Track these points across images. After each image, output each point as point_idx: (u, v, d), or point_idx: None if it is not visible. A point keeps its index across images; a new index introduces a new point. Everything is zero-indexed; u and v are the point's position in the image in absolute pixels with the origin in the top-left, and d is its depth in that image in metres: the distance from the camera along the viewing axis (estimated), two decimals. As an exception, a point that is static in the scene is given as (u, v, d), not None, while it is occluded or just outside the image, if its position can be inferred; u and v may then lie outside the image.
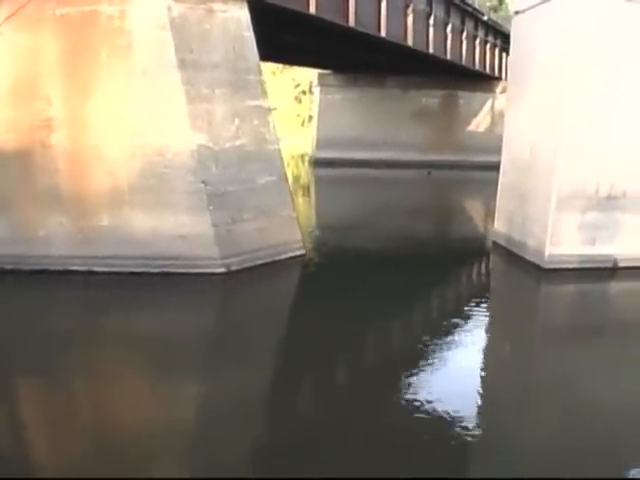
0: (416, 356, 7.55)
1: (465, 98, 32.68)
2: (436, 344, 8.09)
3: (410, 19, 21.85)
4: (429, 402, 6.18)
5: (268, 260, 10.87)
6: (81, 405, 6.42)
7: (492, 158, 30.59)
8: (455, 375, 7.27)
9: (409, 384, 6.75)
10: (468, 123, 32.74)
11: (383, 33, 20.15)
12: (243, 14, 10.80)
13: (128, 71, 9.80)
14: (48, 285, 9.86)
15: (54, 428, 5.86)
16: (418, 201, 22.41)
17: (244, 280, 10.27)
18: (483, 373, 7.42)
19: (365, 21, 18.96)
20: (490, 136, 32.01)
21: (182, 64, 9.86)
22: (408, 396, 6.46)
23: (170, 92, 9.86)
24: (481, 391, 6.85)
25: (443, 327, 8.89)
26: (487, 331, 8.90)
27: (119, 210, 10.00)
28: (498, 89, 32.43)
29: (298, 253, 11.49)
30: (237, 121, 10.70)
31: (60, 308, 9.29)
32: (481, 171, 29.43)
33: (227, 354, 7.49)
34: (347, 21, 18.05)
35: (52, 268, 9.95)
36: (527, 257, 11.52)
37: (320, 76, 33.46)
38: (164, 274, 9.95)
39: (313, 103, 40.53)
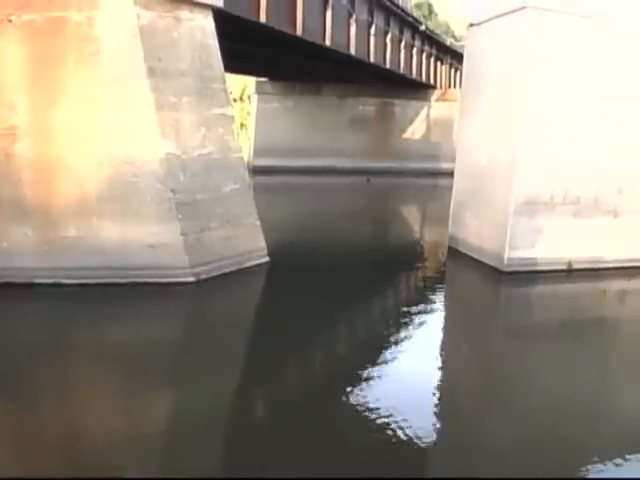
0: (382, 356, 7.81)
1: (401, 106, 33.40)
2: (399, 344, 8.37)
3: (353, 29, 22.23)
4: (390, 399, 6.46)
5: (234, 268, 10.87)
6: (47, 420, 6.25)
7: (428, 165, 31.88)
8: (421, 372, 7.55)
9: (372, 382, 7.00)
10: (404, 131, 33.47)
11: (328, 42, 20.47)
12: (208, 23, 10.79)
13: (96, 78, 9.59)
14: (12, 298, 9.45)
15: (21, 444, 5.67)
16: (364, 208, 22.69)
17: (213, 289, 10.22)
18: (454, 367, 7.82)
19: (311, 30, 19.20)
20: (426, 143, 32.98)
21: (151, 72, 9.74)
22: (368, 397, 6.64)
23: (139, 100, 9.72)
24: (446, 386, 7.18)
25: (410, 328, 9.13)
26: (456, 332, 9.29)
27: (86, 220, 9.76)
28: (433, 97, 33.33)
29: (262, 261, 11.52)
30: (203, 129, 10.65)
31: (25, 322, 8.95)
32: (418, 177, 30.33)
33: (201, 365, 7.42)
34: (295, 30, 18.24)
35: (16, 281, 9.58)
36: (485, 261, 11.92)
37: (258, 84, 33.48)
38: (133, 284, 9.75)
39: (244, 111, 40.60)
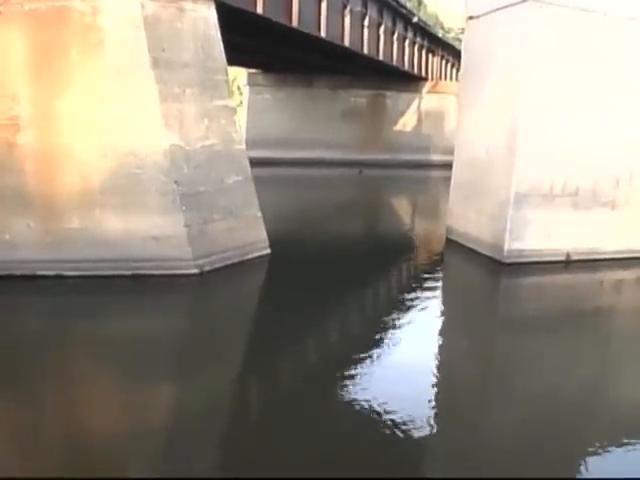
0: (382, 346, 7.95)
1: (392, 98, 33.41)
2: (400, 333, 8.50)
3: (347, 20, 22.23)
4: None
5: (236, 260, 10.86)
6: (51, 414, 6.19)
7: (419, 156, 31.97)
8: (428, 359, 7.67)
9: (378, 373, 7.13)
10: (395, 122, 33.50)
11: (323, 33, 20.45)
12: (211, 14, 10.74)
13: (100, 69, 9.54)
14: (14, 291, 9.39)
15: (23, 438, 5.61)
16: (358, 200, 22.73)
17: (217, 281, 10.23)
18: (460, 355, 7.94)
19: (307, 22, 19.18)
20: (417, 135, 33.05)
21: (155, 63, 9.70)
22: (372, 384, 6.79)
23: (143, 91, 9.68)
24: (449, 371, 7.39)
25: (413, 318, 9.21)
26: (459, 322, 9.40)
27: (90, 212, 9.72)
28: (424, 89, 33.38)
29: (264, 252, 11.52)
30: (206, 121, 10.63)
31: (26, 315, 8.89)
32: (409, 169, 30.43)
33: (207, 358, 7.38)
34: (290, 21, 18.22)
35: (18, 273, 9.53)
36: (485, 252, 12.01)
37: (249, 75, 33.39)
38: (136, 276, 9.74)
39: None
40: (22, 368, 6.95)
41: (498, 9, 11.74)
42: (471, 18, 12.75)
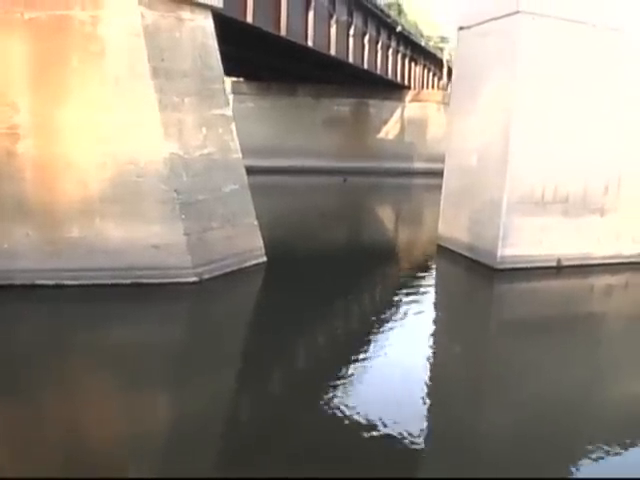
0: (387, 353, 8.13)
1: (376, 106, 33.71)
2: (396, 338, 8.68)
3: (333, 29, 22.43)
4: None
5: (234, 268, 10.92)
6: (50, 423, 6.18)
7: (402, 164, 32.26)
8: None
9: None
10: (379, 131, 33.79)
11: (310, 42, 20.62)
12: (208, 24, 10.84)
13: (100, 78, 9.55)
14: (13, 301, 9.32)
15: (24, 446, 5.62)
16: (345, 208, 22.84)
17: (216, 289, 10.25)
18: (458, 358, 8.11)
19: (294, 31, 19.35)
20: (400, 143, 33.33)
21: (155, 72, 9.75)
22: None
23: (143, 100, 9.71)
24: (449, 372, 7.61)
25: (410, 325, 9.36)
26: (454, 327, 9.57)
27: (90, 220, 9.71)
28: (407, 98, 33.69)
29: (260, 260, 11.59)
30: (204, 130, 10.70)
31: (26, 325, 8.82)
32: (393, 177, 30.67)
33: (209, 366, 7.41)
34: (279, 30, 18.35)
35: (18, 282, 9.47)
36: (477, 258, 12.19)
37: (234, 84, 33.45)
38: (136, 285, 9.74)
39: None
40: (21, 376, 6.95)
41: (489, 20, 11.96)
42: (462, 29, 12.97)
